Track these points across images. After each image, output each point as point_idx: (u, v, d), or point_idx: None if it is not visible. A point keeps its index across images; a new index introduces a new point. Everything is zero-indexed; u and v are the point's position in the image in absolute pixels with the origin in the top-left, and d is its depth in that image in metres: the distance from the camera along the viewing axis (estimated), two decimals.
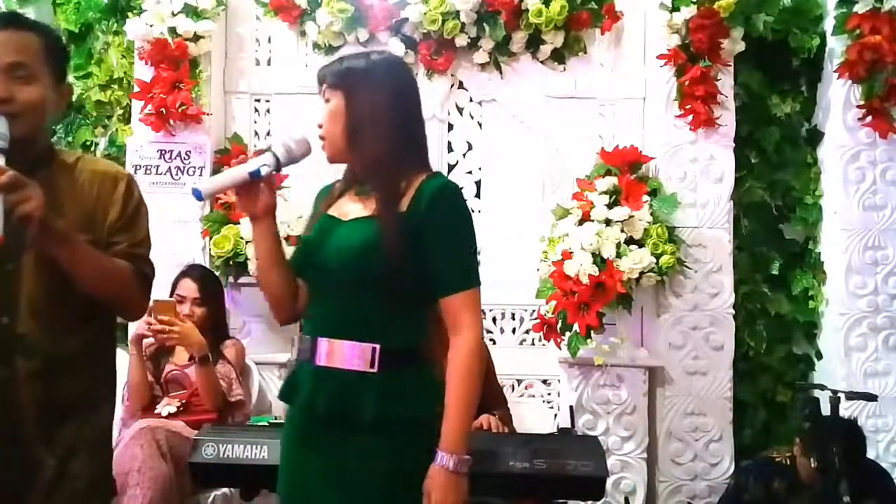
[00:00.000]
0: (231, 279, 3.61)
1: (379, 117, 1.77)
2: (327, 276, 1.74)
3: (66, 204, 1.73)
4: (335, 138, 1.78)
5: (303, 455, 1.77)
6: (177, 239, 3.64)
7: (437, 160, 3.87)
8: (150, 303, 2.96)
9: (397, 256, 1.68)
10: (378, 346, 1.70)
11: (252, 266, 3.53)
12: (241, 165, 1.76)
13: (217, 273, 3.51)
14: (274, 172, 1.76)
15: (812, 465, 2.82)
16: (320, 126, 1.80)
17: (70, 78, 3.89)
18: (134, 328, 3.14)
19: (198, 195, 1.72)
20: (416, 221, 1.71)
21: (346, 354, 1.71)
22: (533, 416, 3.61)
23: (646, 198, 3.52)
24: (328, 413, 1.71)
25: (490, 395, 2.86)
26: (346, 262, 1.71)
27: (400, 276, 1.69)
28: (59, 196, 1.72)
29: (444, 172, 3.85)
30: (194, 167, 3.70)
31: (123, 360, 3.14)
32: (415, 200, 1.72)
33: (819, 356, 3.83)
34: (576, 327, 3.41)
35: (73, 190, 1.77)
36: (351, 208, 1.79)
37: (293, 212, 3.38)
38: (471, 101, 3.90)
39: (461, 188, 1.84)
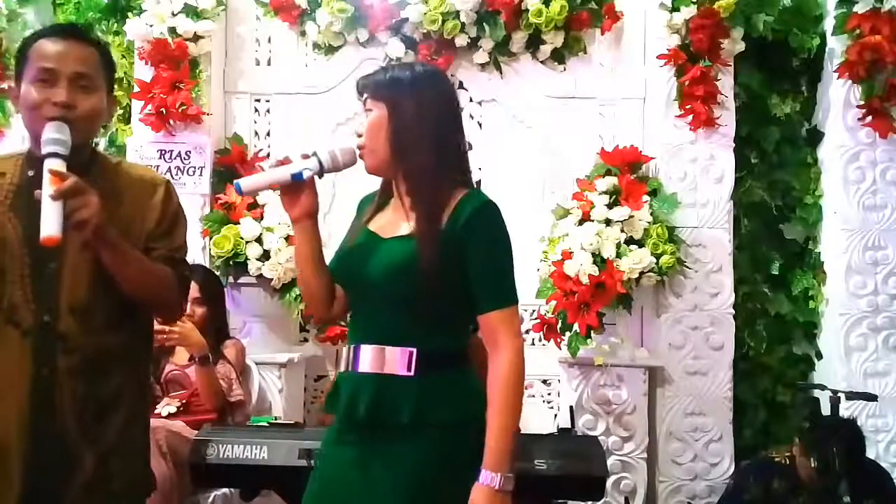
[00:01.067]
0: (231, 279, 3.61)
1: (424, 131, 1.76)
2: (368, 291, 1.75)
3: (106, 209, 1.76)
4: (377, 150, 1.76)
5: (338, 458, 1.77)
6: None
7: None
8: None
9: (435, 277, 1.69)
10: (415, 350, 1.72)
11: (252, 266, 3.53)
12: (285, 167, 1.76)
13: (217, 273, 3.51)
14: (317, 177, 1.77)
15: (812, 466, 2.82)
16: (360, 135, 1.79)
17: None
18: None
19: (238, 190, 1.75)
20: (454, 238, 1.72)
21: (384, 359, 1.73)
22: (533, 416, 3.60)
23: (646, 198, 3.52)
24: (368, 417, 1.71)
25: None
26: (385, 281, 1.72)
27: (438, 294, 1.71)
28: (106, 202, 1.76)
29: None
30: (194, 167, 3.70)
31: None
32: (453, 217, 1.73)
33: (819, 356, 3.83)
34: (576, 327, 3.41)
35: (113, 195, 1.81)
36: (390, 224, 1.79)
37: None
38: (471, 101, 3.90)
39: (499, 206, 1.84)
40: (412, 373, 1.71)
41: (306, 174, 1.74)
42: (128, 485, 1.82)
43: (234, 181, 1.78)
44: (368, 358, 1.74)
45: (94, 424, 1.77)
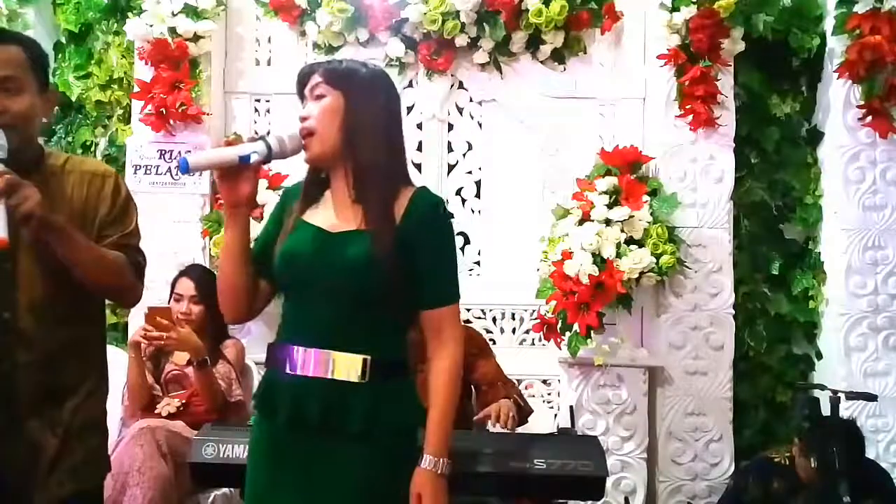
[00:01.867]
0: None
1: (379, 125, 1.77)
2: (318, 289, 1.73)
3: (57, 206, 1.83)
4: (327, 137, 1.75)
5: (280, 460, 1.77)
6: (177, 239, 3.64)
7: (437, 160, 3.87)
8: (146, 309, 2.99)
9: (394, 272, 1.70)
10: (369, 358, 1.72)
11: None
12: (233, 147, 1.74)
13: (216, 272, 3.50)
14: (263, 163, 1.74)
15: (812, 466, 2.81)
16: (305, 119, 1.77)
17: (70, 78, 3.96)
18: (133, 331, 3.15)
19: (184, 166, 1.69)
20: (408, 234, 1.72)
21: (336, 365, 1.72)
22: (533, 416, 3.60)
23: (646, 198, 3.51)
24: (319, 422, 1.71)
25: (499, 378, 2.87)
26: (341, 277, 1.71)
27: (393, 291, 1.71)
28: (51, 198, 1.81)
29: (444, 172, 3.87)
30: None
31: (123, 362, 3.15)
32: (408, 213, 1.74)
33: (819, 356, 3.83)
34: (576, 327, 3.41)
35: (63, 192, 1.88)
36: (335, 218, 1.78)
37: None
38: (471, 101, 3.90)
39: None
40: (365, 379, 1.71)
41: (254, 158, 1.72)
42: (86, 459, 1.90)
43: (180, 158, 1.77)
44: (316, 362, 1.72)
45: (52, 410, 1.84)
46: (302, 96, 1.83)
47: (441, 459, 1.72)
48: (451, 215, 1.84)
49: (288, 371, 1.75)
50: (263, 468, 1.80)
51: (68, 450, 1.86)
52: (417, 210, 1.74)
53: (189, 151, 3.65)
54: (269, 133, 1.80)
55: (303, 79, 1.82)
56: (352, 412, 1.70)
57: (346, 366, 1.71)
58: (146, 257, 1.98)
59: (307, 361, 1.73)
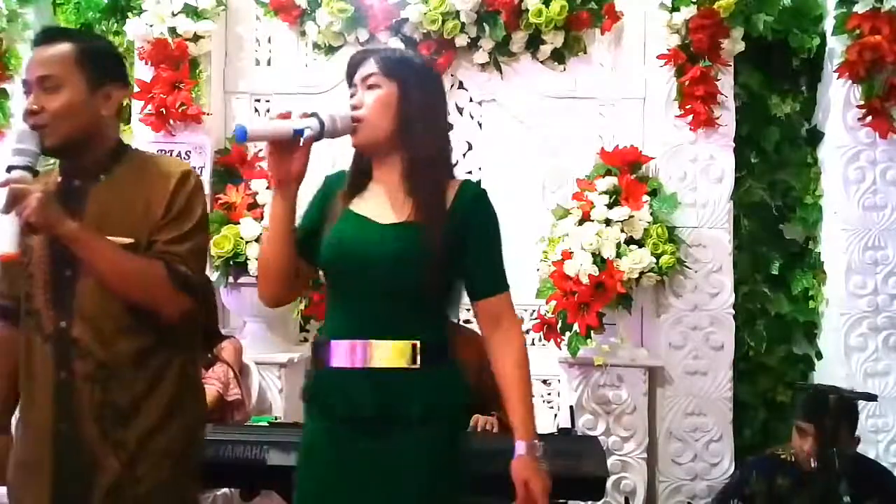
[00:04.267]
0: (231, 279, 3.60)
1: (432, 117, 1.78)
2: (369, 279, 1.72)
3: (114, 206, 1.80)
4: (380, 126, 1.74)
5: (342, 455, 1.74)
6: None
7: None
8: None
9: (445, 264, 1.71)
10: (419, 342, 1.72)
11: (252, 266, 3.52)
12: (287, 120, 1.71)
13: (217, 273, 3.51)
14: (315, 139, 1.71)
15: (807, 448, 2.81)
16: (358, 107, 1.75)
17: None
18: None
19: (242, 134, 1.65)
20: (458, 224, 1.73)
21: (387, 354, 1.72)
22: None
23: (646, 198, 3.51)
24: (377, 413, 1.71)
25: (489, 396, 2.86)
26: (394, 269, 1.70)
27: (442, 281, 1.73)
28: (109, 199, 1.80)
29: None
30: (194, 167, 3.66)
31: None
32: (455, 204, 1.74)
33: (819, 356, 3.83)
34: (576, 327, 3.41)
35: (125, 192, 1.82)
36: (383, 209, 1.76)
37: None
38: (471, 101, 3.90)
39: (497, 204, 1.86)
40: (418, 365, 1.72)
41: (307, 133, 1.69)
42: (154, 489, 1.79)
43: (237, 126, 1.67)
44: (366, 353, 1.72)
45: (115, 429, 1.77)
46: (351, 82, 1.81)
47: (535, 442, 1.74)
48: (490, 200, 1.83)
49: (338, 365, 1.74)
50: (322, 466, 1.77)
51: (132, 478, 1.77)
52: (465, 202, 1.75)
53: (185, 142, 3.66)
54: (323, 111, 1.75)
55: (355, 65, 1.80)
56: (409, 398, 1.71)
57: (397, 353, 1.72)
58: (202, 264, 1.87)
59: (357, 353, 1.72)
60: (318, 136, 1.71)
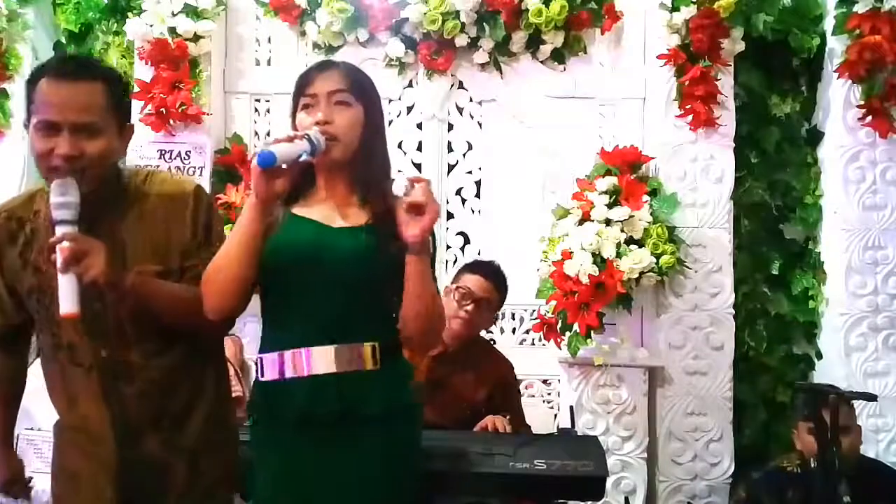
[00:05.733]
0: None
1: (383, 132, 1.93)
2: (321, 282, 1.77)
3: (137, 237, 1.81)
4: (350, 146, 1.83)
5: (295, 464, 1.80)
6: None
7: (437, 160, 3.87)
8: None
9: (396, 263, 1.75)
10: (376, 344, 1.79)
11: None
12: (294, 144, 1.73)
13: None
14: (311, 159, 1.77)
15: (809, 439, 2.80)
16: (327, 123, 1.80)
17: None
18: None
19: (271, 159, 1.65)
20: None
21: (346, 357, 1.77)
22: (533, 416, 3.60)
23: (646, 198, 3.51)
24: (337, 413, 1.76)
25: (496, 409, 2.88)
26: (348, 268, 1.76)
27: (395, 281, 1.76)
28: (131, 230, 1.81)
29: (444, 172, 3.87)
30: (194, 167, 3.70)
31: None
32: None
33: (819, 356, 3.82)
34: (576, 327, 3.41)
35: (143, 221, 1.83)
36: (337, 215, 1.83)
37: None
38: (471, 101, 3.90)
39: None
40: (378, 366, 1.78)
41: (304, 157, 1.74)
42: (218, 479, 1.95)
43: (262, 152, 1.68)
44: (324, 359, 1.76)
45: (173, 434, 1.86)
46: (306, 90, 1.84)
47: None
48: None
49: (292, 375, 1.78)
50: (273, 470, 1.84)
51: (198, 472, 1.90)
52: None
53: (185, 142, 3.66)
54: (309, 132, 1.79)
55: (313, 76, 1.85)
56: (369, 398, 1.77)
57: (357, 356, 1.77)
58: None
59: (314, 360, 1.77)
60: (312, 156, 1.76)
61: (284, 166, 1.71)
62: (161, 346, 1.85)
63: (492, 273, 3.03)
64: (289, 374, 1.79)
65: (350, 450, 1.77)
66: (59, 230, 1.65)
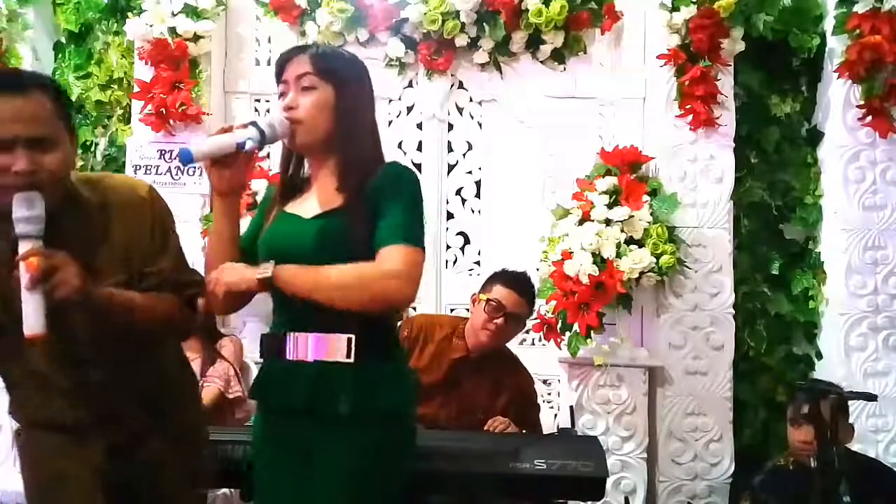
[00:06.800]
0: None
1: (366, 117, 1.82)
2: None
3: (99, 248, 1.74)
4: (317, 129, 1.77)
5: (281, 452, 1.79)
6: None
7: (437, 160, 3.87)
8: None
9: (366, 244, 1.70)
10: (353, 337, 1.72)
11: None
12: (228, 135, 1.74)
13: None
14: (257, 149, 1.75)
15: (802, 438, 2.80)
16: (293, 108, 1.77)
17: (70, 78, 3.96)
18: None
19: (187, 156, 1.67)
20: (374, 202, 1.73)
21: (321, 346, 1.73)
22: None
23: (646, 198, 3.51)
24: (306, 406, 1.72)
25: (524, 424, 2.89)
26: (313, 257, 1.71)
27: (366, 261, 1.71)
28: (92, 241, 1.74)
29: (444, 172, 3.87)
30: (194, 167, 3.68)
31: None
32: (376, 183, 1.75)
33: (819, 356, 3.82)
34: (576, 327, 3.41)
35: (103, 230, 1.76)
36: (312, 205, 1.80)
37: None
38: (471, 101, 3.90)
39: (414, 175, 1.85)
40: (351, 359, 1.71)
41: (249, 144, 1.72)
42: (187, 475, 1.92)
43: (181, 149, 1.69)
44: (302, 345, 1.74)
45: (151, 416, 1.85)
46: (280, 79, 1.82)
47: (272, 273, 1.71)
48: (417, 182, 1.82)
49: (278, 357, 1.77)
50: (265, 455, 1.83)
51: (184, 456, 1.90)
52: (381, 179, 1.76)
53: (184, 143, 3.65)
54: (259, 120, 1.78)
55: (284, 63, 1.81)
56: (338, 394, 1.70)
57: (332, 346, 1.72)
58: (200, 280, 1.86)
59: (295, 346, 1.75)
60: (260, 145, 1.74)
61: (247, 151, 1.72)
62: (133, 348, 1.79)
63: (526, 289, 2.97)
64: (272, 355, 1.79)
65: (321, 449, 1.72)
66: (24, 245, 1.56)
